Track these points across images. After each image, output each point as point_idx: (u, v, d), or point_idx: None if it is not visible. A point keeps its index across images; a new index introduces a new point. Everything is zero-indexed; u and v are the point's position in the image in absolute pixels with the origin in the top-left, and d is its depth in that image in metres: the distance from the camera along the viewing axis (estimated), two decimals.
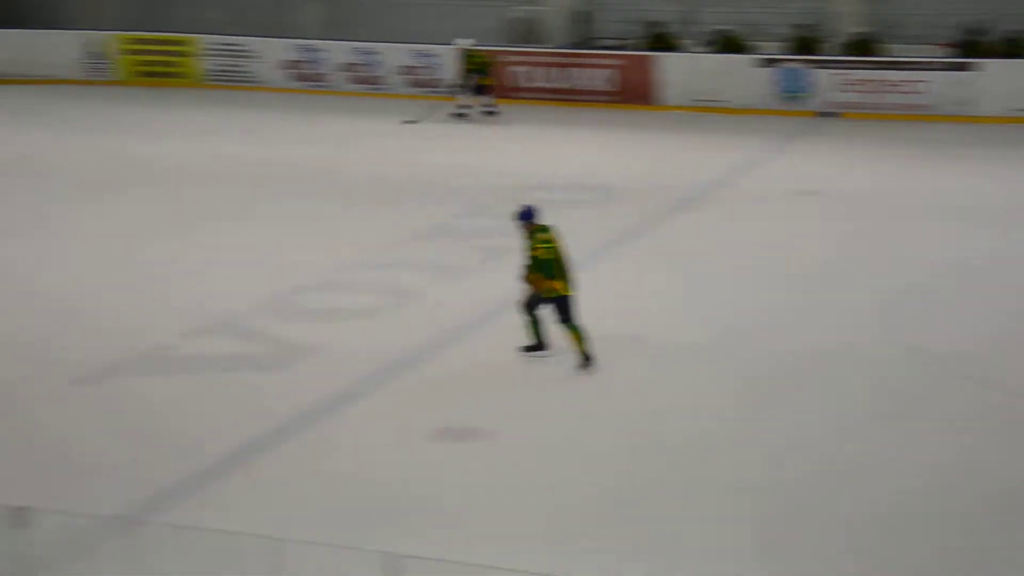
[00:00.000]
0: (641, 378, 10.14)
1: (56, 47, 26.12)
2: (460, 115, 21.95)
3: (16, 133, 20.16)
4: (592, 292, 10.72)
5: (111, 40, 26.16)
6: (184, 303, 11.73)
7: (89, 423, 9.12)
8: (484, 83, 22.05)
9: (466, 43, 22.20)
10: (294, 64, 25.45)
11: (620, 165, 18.66)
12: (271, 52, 25.56)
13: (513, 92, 24.11)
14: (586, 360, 10.23)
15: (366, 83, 25.10)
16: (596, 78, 24.26)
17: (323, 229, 14.63)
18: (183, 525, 7.10)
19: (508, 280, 11.11)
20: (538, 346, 10.47)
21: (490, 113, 22.12)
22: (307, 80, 25.35)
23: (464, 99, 21.97)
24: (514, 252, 13.79)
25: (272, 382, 10.02)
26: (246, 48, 25.72)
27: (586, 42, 26.05)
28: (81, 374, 9.92)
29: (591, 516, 7.82)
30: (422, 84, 24.68)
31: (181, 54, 25.96)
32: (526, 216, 10.46)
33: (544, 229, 10.45)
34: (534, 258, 10.31)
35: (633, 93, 24.00)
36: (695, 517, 7.76)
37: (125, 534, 7.02)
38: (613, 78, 24.14)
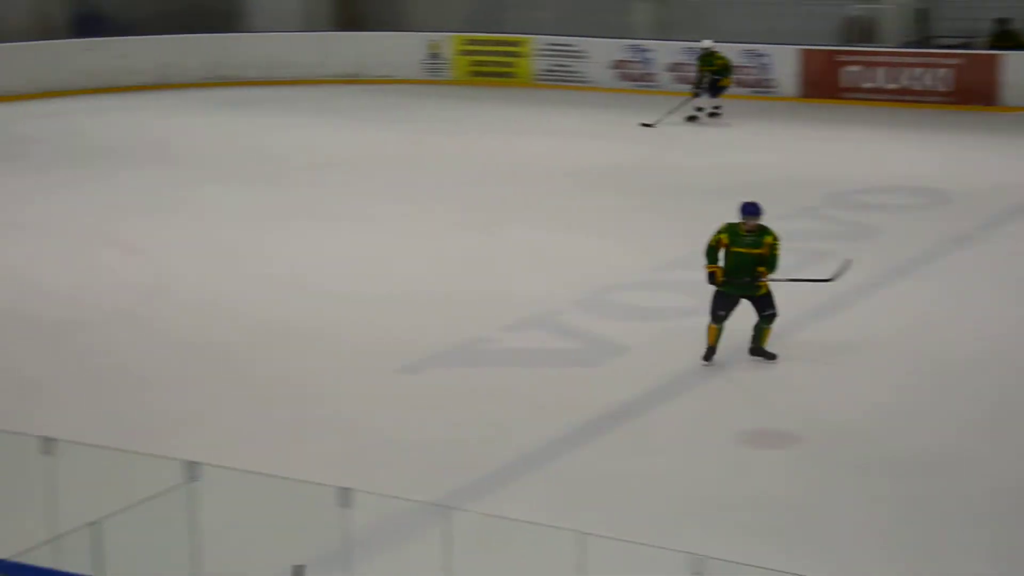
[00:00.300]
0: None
1: (398, 49, 27.24)
2: (693, 117, 21.49)
3: (356, 131, 21.14)
4: (910, 299, 10.42)
5: (449, 41, 27.08)
6: (501, 298, 12.04)
7: (412, 411, 9.51)
8: (722, 84, 21.49)
9: (707, 44, 21.69)
10: (623, 64, 25.67)
11: (950, 168, 17.99)
12: (600, 52, 25.88)
13: (846, 92, 23.60)
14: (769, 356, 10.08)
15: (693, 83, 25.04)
16: (931, 78, 23.45)
17: (641, 228, 14.72)
18: (492, 514, 7.32)
19: (821, 285, 10.92)
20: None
21: (714, 115, 21.57)
22: (635, 80, 25.53)
23: (701, 101, 21.49)
24: (831, 255, 13.58)
25: (587, 378, 10.19)
26: (576, 48, 26.13)
27: (924, 41, 25.21)
28: (406, 364, 10.34)
29: (877, 530, 7.61)
30: (750, 84, 24.47)
31: (514, 54, 26.62)
32: (751, 211, 10.09)
33: (766, 231, 10.10)
34: (738, 254, 10.03)
35: (971, 93, 23.07)
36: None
37: (440, 519, 7.30)
38: (950, 78, 23.26)
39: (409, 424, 9.25)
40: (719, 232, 10.20)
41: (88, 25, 26.24)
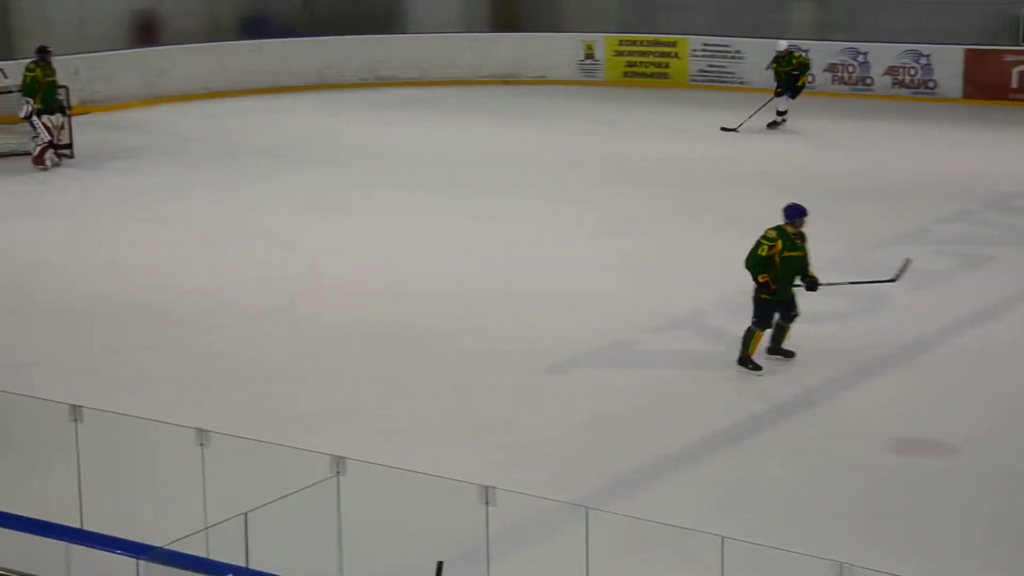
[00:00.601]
0: None
1: (553, 50, 27.34)
2: (775, 123, 20.83)
3: (511, 131, 21.27)
4: None
5: (603, 42, 27.09)
6: (645, 299, 12.03)
7: (556, 410, 9.57)
8: (801, 84, 20.73)
9: (783, 45, 20.99)
10: None
11: None
12: (757, 53, 25.61)
13: (1016, 94, 22.98)
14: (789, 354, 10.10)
15: (851, 84, 24.66)
16: None
17: None
18: (634, 515, 7.34)
19: (980, 290, 10.68)
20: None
21: (774, 123, 20.86)
22: None
23: (782, 102, 20.73)
24: (994, 260, 13.25)
25: (732, 381, 10.12)
26: (732, 49, 25.92)
27: None
28: (552, 364, 10.41)
29: None
30: (911, 85, 23.98)
31: (669, 55, 26.51)
32: (800, 213, 10.00)
33: (803, 232, 10.12)
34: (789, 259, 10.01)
35: None
36: None
37: (580, 520, 7.34)
38: None
39: (553, 424, 9.31)
40: (771, 239, 10.05)
41: (254, 27, 26.93)
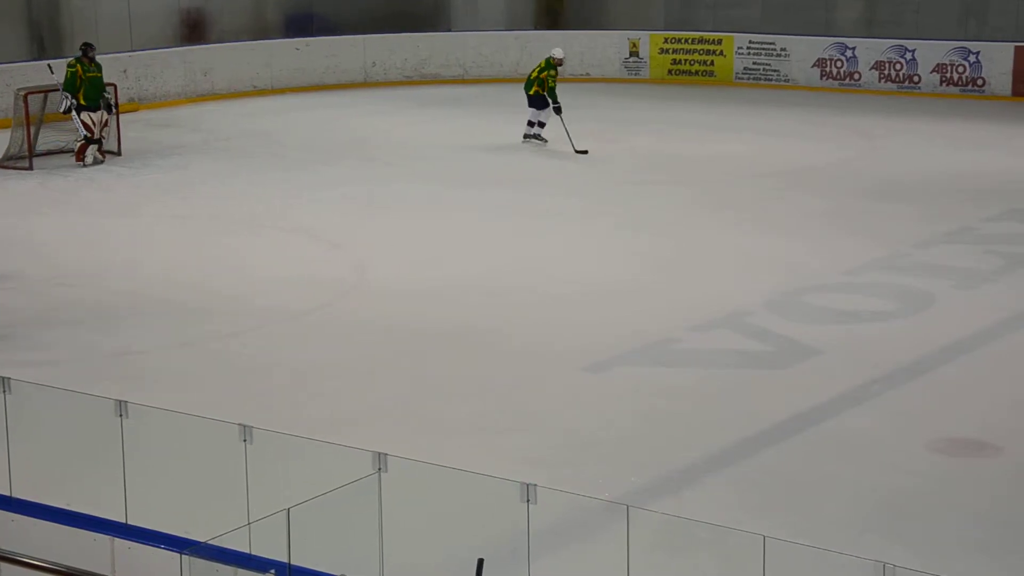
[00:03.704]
0: None
1: (598, 47, 27.31)
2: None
3: (559, 130, 21.28)
4: None
5: (649, 40, 27.04)
6: (689, 298, 12.00)
7: (597, 409, 9.57)
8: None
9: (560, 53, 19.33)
10: (825, 63, 25.24)
11: None
12: (802, 51, 25.49)
13: None
14: None
15: (899, 82, 24.49)
16: None
17: (835, 230, 14.46)
18: (675, 514, 7.33)
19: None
20: None
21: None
22: (838, 79, 25.08)
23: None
24: None
25: (775, 380, 10.09)
26: (778, 47, 25.80)
27: None
28: (593, 362, 10.40)
29: None
30: (959, 83, 23.78)
31: (713, 53, 26.42)
32: None
33: None
34: None
35: None
36: None
37: (621, 518, 7.34)
38: None
39: (593, 422, 9.31)
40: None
41: (299, 25, 27.06)
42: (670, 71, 26.62)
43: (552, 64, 19.28)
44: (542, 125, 19.26)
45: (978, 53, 23.82)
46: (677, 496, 8.17)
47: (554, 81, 19.15)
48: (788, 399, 9.61)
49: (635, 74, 26.90)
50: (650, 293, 12.20)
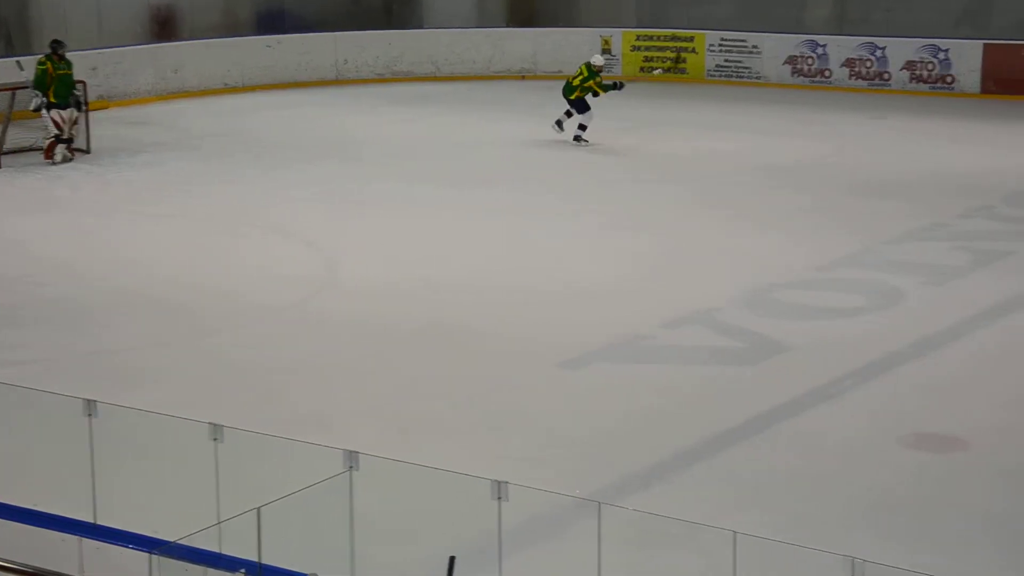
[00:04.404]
0: None
1: (570, 45, 27.30)
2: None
3: (527, 127, 21.26)
4: None
5: (621, 37, 27.06)
6: (662, 294, 12.01)
7: (570, 406, 9.57)
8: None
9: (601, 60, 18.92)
10: (796, 60, 25.32)
11: None
12: (774, 48, 25.56)
13: None
14: None
15: (869, 79, 24.58)
16: None
17: (809, 226, 14.52)
18: (645, 511, 7.34)
19: (996, 286, 10.62)
20: None
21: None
22: (809, 76, 25.15)
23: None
24: (1011, 256, 13.22)
25: (747, 376, 10.11)
26: (749, 44, 25.86)
27: None
28: (566, 359, 10.40)
29: None
30: (929, 80, 23.89)
31: (686, 50, 26.45)
32: None
33: None
34: None
35: None
36: None
37: (592, 515, 7.35)
38: None
39: (567, 419, 9.31)
40: None
41: (271, 22, 26.96)
42: (642, 68, 26.65)
43: (594, 71, 19.48)
44: (583, 128, 19.30)
45: (947, 50, 23.93)
46: (649, 492, 8.17)
47: (599, 87, 19.33)
48: (759, 395, 9.63)
49: (608, 71, 26.91)
50: (624, 291, 12.21)
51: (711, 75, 26.04)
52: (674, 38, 26.52)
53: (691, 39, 26.40)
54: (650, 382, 10.01)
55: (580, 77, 19.60)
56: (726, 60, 26.03)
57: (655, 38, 26.79)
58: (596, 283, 12.42)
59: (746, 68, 25.72)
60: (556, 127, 19.45)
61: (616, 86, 19.54)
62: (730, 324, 11.23)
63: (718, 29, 26.34)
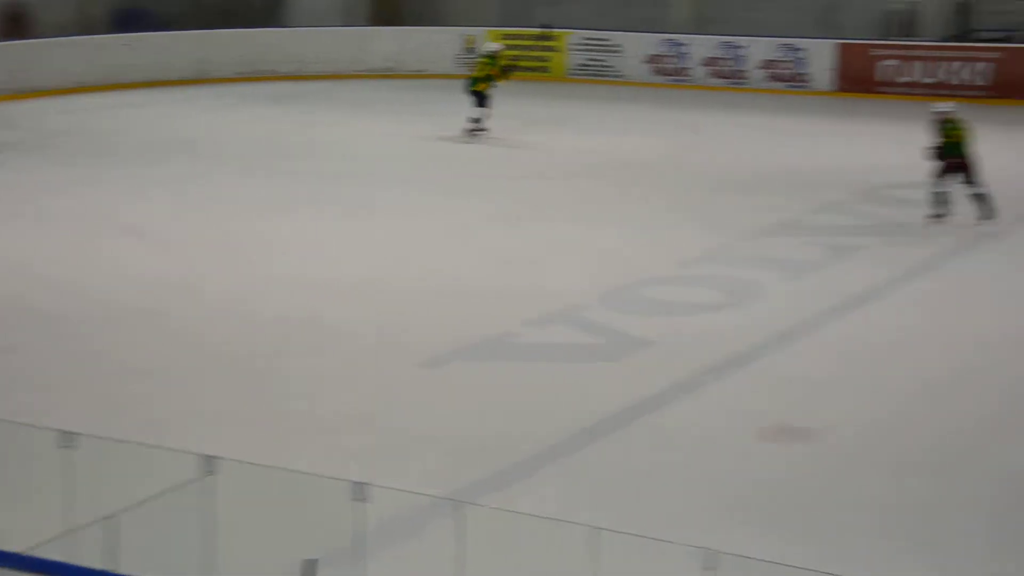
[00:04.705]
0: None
1: (434, 44, 27.30)
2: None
3: (391, 125, 21.22)
4: (935, 297, 10.33)
5: (484, 36, 27.12)
6: (526, 293, 12.05)
7: (431, 405, 9.53)
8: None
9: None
10: (658, 59, 25.64)
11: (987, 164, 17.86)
12: (635, 47, 25.85)
13: (882, 87, 23.46)
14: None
15: (728, 78, 25.00)
16: (969, 72, 23.28)
17: (667, 223, 14.71)
18: (506, 508, 7.35)
19: (851, 279, 10.84)
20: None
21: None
22: (670, 75, 25.49)
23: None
24: (864, 250, 13.55)
25: (609, 373, 10.18)
26: (611, 43, 26.11)
27: (963, 35, 25.03)
28: (427, 358, 10.37)
29: (893, 528, 7.58)
30: (784, 79, 24.37)
31: (548, 49, 26.60)
32: None
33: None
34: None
35: (1010, 87, 22.88)
36: None
37: (453, 514, 7.34)
38: (988, 72, 23.08)
39: (428, 418, 9.27)
40: None
41: (128, 20, 26.45)
42: (505, 67, 26.72)
43: (495, 58, 20.11)
44: (478, 121, 19.61)
45: (803, 50, 24.45)
46: (510, 490, 8.18)
47: (503, 72, 19.98)
48: (620, 391, 9.70)
49: (471, 70, 26.98)
50: (486, 288, 12.22)
51: (573, 74, 26.25)
52: (536, 37, 26.65)
53: (553, 38, 26.56)
54: (511, 380, 10.02)
55: (482, 67, 19.75)
56: (589, 59, 26.25)
57: (519, 37, 26.91)
58: (459, 281, 12.41)
59: (608, 67, 25.98)
60: (469, 128, 19.42)
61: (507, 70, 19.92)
62: (592, 321, 11.31)
63: (581, 28, 26.56)
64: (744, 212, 15.16)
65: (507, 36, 26.90)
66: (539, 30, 25.62)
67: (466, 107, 19.77)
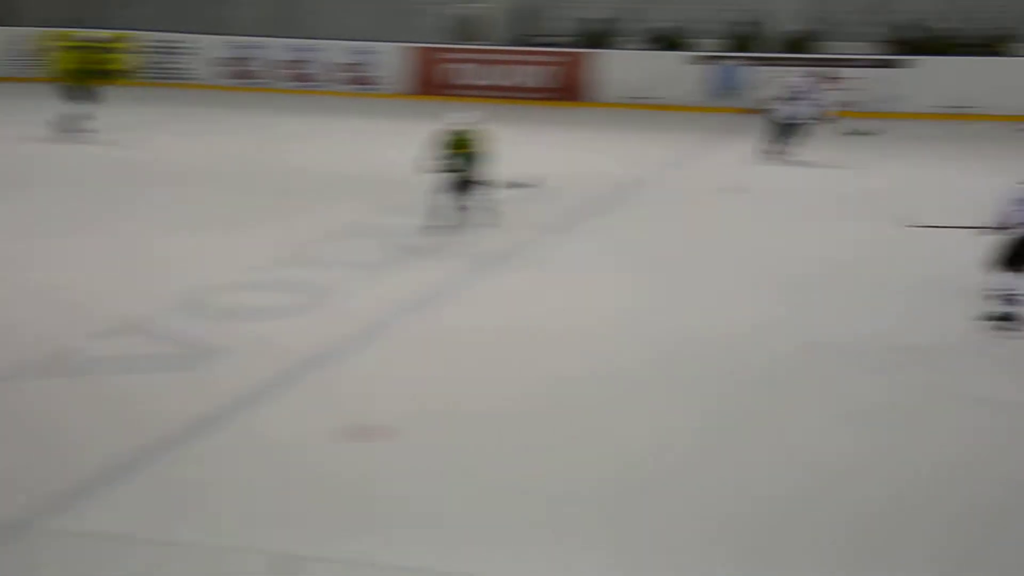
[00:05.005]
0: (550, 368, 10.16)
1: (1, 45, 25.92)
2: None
3: None
4: (534, 287, 10.69)
5: (43, 37, 25.96)
6: (89, 305, 11.60)
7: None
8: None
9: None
10: (229, 61, 25.35)
11: (553, 161, 18.71)
12: (206, 49, 25.44)
13: (448, 89, 24.11)
14: None
15: (301, 80, 25.04)
16: (534, 75, 24.33)
17: (237, 227, 14.57)
18: (75, 531, 7.03)
19: (421, 278, 11.03)
20: None
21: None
22: (242, 77, 25.26)
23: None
24: (430, 251, 13.89)
25: (181, 383, 9.92)
26: (181, 45, 25.59)
27: (526, 39, 26.12)
28: None
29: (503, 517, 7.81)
30: (357, 82, 24.64)
31: (115, 51, 25.77)
32: None
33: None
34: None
35: (570, 91, 24.09)
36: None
37: (13, 539, 6.96)
38: (551, 75, 24.20)
39: None
40: None
41: None
42: (71, 69, 25.70)
43: (100, 47, 19.20)
44: (82, 119, 19.18)
45: (376, 54, 24.80)
46: (81, 512, 7.82)
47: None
48: (197, 401, 9.47)
49: (32, 73, 25.78)
50: (40, 303, 11.66)
51: (142, 76, 25.54)
52: (102, 38, 25.76)
53: (118, 40, 25.77)
54: (77, 396, 9.55)
55: (87, 58, 19.05)
56: (158, 61, 25.62)
57: (83, 38, 25.93)
58: (7, 293, 11.83)
59: (179, 69, 25.45)
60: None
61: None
62: (163, 329, 11.01)
63: (150, 29, 25.90)
64: (317, 214, 15.23)
65: (71, 37, 25.91)
66: None
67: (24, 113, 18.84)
